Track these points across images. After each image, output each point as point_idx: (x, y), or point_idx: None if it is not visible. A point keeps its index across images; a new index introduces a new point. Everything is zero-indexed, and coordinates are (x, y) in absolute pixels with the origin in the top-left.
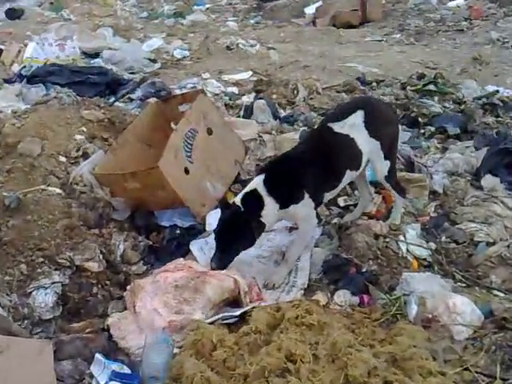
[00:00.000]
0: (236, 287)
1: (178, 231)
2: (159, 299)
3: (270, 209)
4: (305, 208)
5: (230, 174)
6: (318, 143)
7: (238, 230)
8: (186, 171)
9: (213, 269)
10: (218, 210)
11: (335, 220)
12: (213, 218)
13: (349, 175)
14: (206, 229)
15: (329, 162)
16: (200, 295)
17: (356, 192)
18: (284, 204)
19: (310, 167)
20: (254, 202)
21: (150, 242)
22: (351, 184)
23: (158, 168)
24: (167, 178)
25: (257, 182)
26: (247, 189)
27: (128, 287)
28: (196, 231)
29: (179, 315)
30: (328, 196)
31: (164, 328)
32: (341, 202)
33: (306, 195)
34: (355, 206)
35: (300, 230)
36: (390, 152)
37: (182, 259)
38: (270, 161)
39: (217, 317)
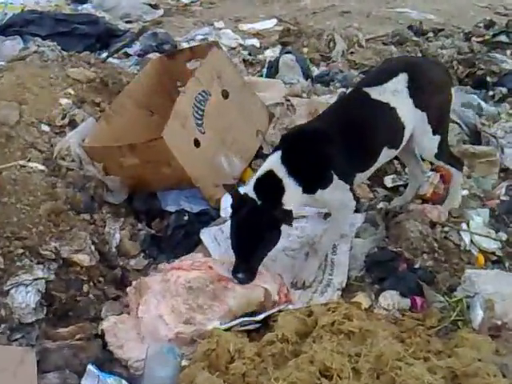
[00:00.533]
0: (266, 301)
1: (185, 217)
2: (167, 303)
3: (293, 193)
4: (336, 192)
5: (250, 148)
6: (348, 112)
7: (260, 229)
8: (197, 143)
9: (240, 283)
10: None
11: (381, 205)
12: (229, 202)
13: (386, 154)
14: (221, 214)
15: (362, 137)
16: (219, 303)
17: (407, 169)
18: (309, 188)
19: (337, 142)
20: (270, 187)
21: (152, 231)
22: (399, 159)
23: (162, 139)
24: (173, 151)
25: (272, 161)
26: (260, 172)
27: (133, 283)
28: (208, 217)
29: (189, 326)
30: (361, 177)
31: (169, 340)
32: (388, 181)
33: (335, 177)
34: (406, 186)
35: (334, 217)
36: (439, 125)
37: (200, 255)
38: (287, 133)
39: (234, 322)
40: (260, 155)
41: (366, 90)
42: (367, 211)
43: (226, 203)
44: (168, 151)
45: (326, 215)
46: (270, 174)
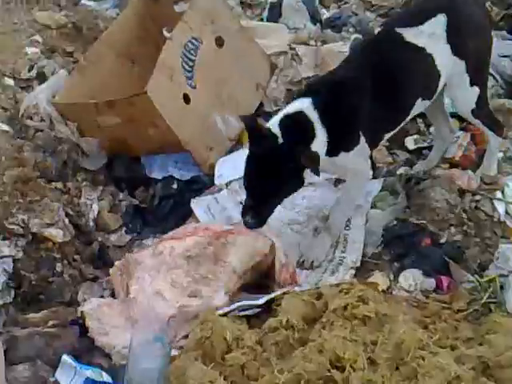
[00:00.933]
0: (271, 254)
1: (174, 186)
2: (164, 278)
3: (320, 145)
4: (358, 157)
5: (248, 104)
6: (380, 57)
7: (280, 170)
8: (186, 99)
9: (248, 227)
10: (233, 156)
11: (401, 170)
12: (225, 167)
13: (419, 106)
14: (216, 182)
15: (396, 87)
16: (221, 267)
17: (432, 128)
18: (332, 149)
19: (369, 94)
20: (300, 128)
21: (136, 202)
22: (423, 116)
23: (146, 95)
24: (159, 108)
25: (303, 104)
26: (288, 110)
27: (117, 264)
28: (200, 185)
29: (195, 299)
30: (386, 137)
31: (171, 317)
32: (410, 143)
33: (362, 139)
34: (430, 148)
35: (348, 185)
36: (479, 75)
37: (193, 224)
38: (313, 81)
39: (232, 306)
40: (261, 113)
41: (400, 31)
42: (385, 177)
43: (221, 169)
44: (153, 108)
45: (337, 182)
46: (300, 115)
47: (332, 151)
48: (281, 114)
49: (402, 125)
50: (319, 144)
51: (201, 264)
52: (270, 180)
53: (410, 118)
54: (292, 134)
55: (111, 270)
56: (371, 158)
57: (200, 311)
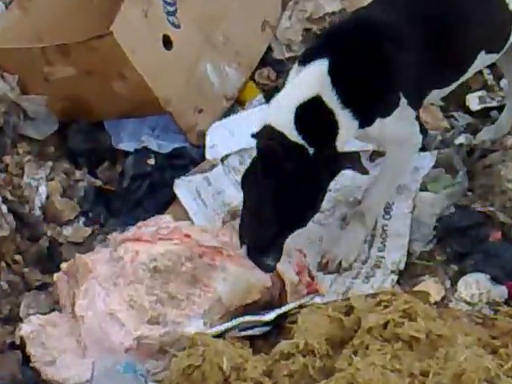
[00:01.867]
0: (276, 284)
1: (151, 161)
2: (121, 294)
3: (348, 130)
4: (400, 122)
5: (251, 49)
6: None
7: (311, 190)
8: (167, 43)
9: (267, 271)
10: (230, 120)
11: (461, 139)
12: (219, 136)
13: (482, 61)
14: (207, 155)
15: (446, 36)
16: (201, 290)
17: (503, 81)
18: (366, 119)
19: (408, 47)
20: (320, 124)
21: (98, 182)
22: (492, 65)
23: (111, 36)
24: (129, 55)
25: (317, 80)
26: (300, 97)
27: (64, 266)
28: (186, 161)
29: (157, 327)
30: (436, 95)
31: (127, 350)
32: (473, 101)
33: (403, 100)
34: (501, 109)
35: (390, 158)
36: None
37: (168, 218)
38: (331, 28)
39: (229, 324)
40: (268, 61)
41: None
42: (439, 149)
43: (214, 138)
44: (120, 55)
45: (375, 155)
46: (315, 102)
47: (363, 122)
48: (290, 104)
49: (459, 83)
50: (346, 131)
51: (171, 281)
52: (300, 205)
53: (469, 75)
54: (314, 135)
55: (55, 276)
56: (418, 119)
57: (165, 343)
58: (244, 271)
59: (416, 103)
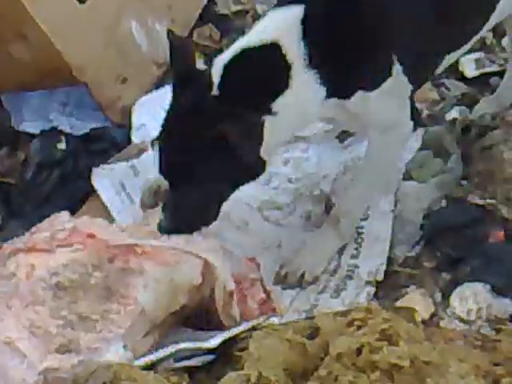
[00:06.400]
0: (209, 281)
1: (61, 145)
2: (18, 318)
3: (305, 93)
4: (389, 99)
5: (188, 1)
6: None
7: (215, 147)
8: None
9: (160, 231)
10: (162, 92)
11: (454, 113)
12: (148, 113)
13: (507, 3)
14: (133, 138)
15: None
16: (119, 304)
17: (505, 40)
18: (340, 87)
19: None
20: (262, 72)
21: None
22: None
23: None
24: (30, 9)
25: (284, 22)
26: (250, 39)
27: None
28: (106, 144)
29: (67, 356)
30: (448, 61)
31: None
32: (467, 66)
33: (397, 67)
34: (502, 75)
35: (372, 151)
36: None
37: (63, 215)
38: None
39: (163, 352)
40: (210, 17)
41: None
42: (427, 127)
43: (142, 116)
44: (20, 9)
45: (344, 135)
46: (268, 47)
47: (339, 90)
48: (239, 45)
49: (472, 42)
50: (301, 94)
51: (80, 298)
52: (199, 156)
53: (486, 30)
54: (241, 84)
55: None
56: (412, 101)
57: (79, 376)
58: (165, 270)
59: (417, 74)
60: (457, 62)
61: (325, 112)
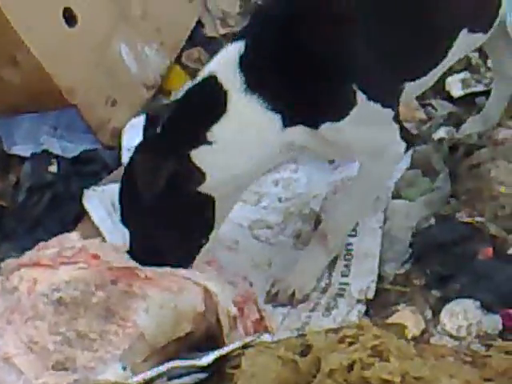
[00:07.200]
0: (211, 307)
1: (53, 168)
2: (17, 334)
3: (248, 122)
4: (366, 126)
5: (177, 25)
6: None
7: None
8: (70, 17)
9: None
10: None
11: (442, 132)
12: (138, 135)
13: (465, 42)
14: (124, 160)
15: (415, 6)
16: (118, 326)
17: (490, 62)
18: (303, 117)
19: (362, 21)
20: (199, 107)
21: None
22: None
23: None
24: (21, 33)
25: (223, 57)
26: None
27: None
28: (98, 166)
29: (64, 374)
30: (414, 89)
31: None
32: (454, 86)
33: (360, 96)
34: (488, 95)
35: (362, 173)
36: None
37: (74, 234)
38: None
39: (156, 370)
40: (199, 40)
41: None
42: (415, 145)
43: (132, 137)
44: (10, 33)
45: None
46: (205, 80)
47: (300, 118)
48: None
49: (439, 72)
50: (240, 121)
51: (80, 316)
52: (149, 201)
53: (450, 62)
54: (186, 120)
55: None
56: (398, 121)
57: None
58: (169, 296)
59: (387, 98)
60: (443, 82)
61: (289, 139)
